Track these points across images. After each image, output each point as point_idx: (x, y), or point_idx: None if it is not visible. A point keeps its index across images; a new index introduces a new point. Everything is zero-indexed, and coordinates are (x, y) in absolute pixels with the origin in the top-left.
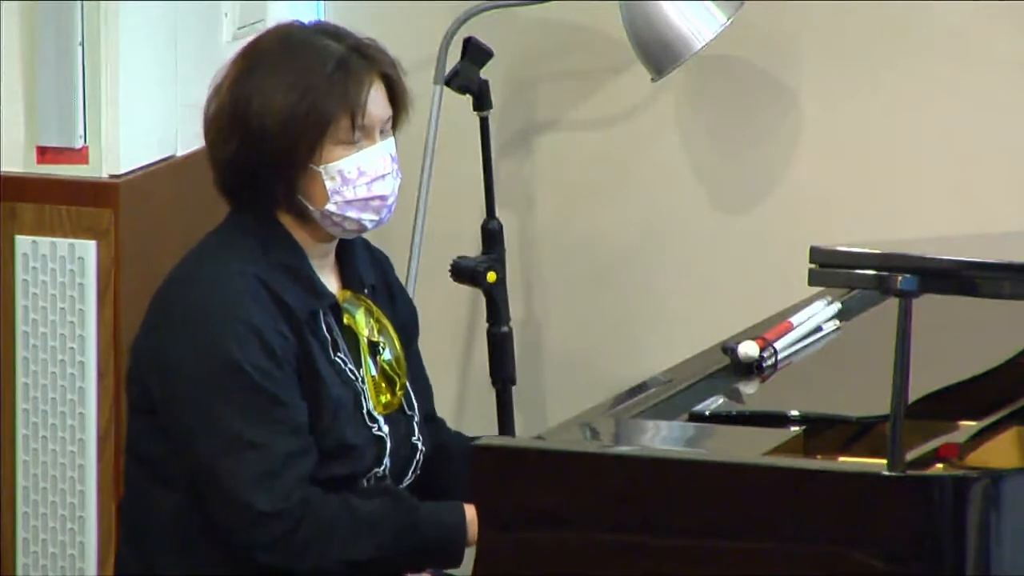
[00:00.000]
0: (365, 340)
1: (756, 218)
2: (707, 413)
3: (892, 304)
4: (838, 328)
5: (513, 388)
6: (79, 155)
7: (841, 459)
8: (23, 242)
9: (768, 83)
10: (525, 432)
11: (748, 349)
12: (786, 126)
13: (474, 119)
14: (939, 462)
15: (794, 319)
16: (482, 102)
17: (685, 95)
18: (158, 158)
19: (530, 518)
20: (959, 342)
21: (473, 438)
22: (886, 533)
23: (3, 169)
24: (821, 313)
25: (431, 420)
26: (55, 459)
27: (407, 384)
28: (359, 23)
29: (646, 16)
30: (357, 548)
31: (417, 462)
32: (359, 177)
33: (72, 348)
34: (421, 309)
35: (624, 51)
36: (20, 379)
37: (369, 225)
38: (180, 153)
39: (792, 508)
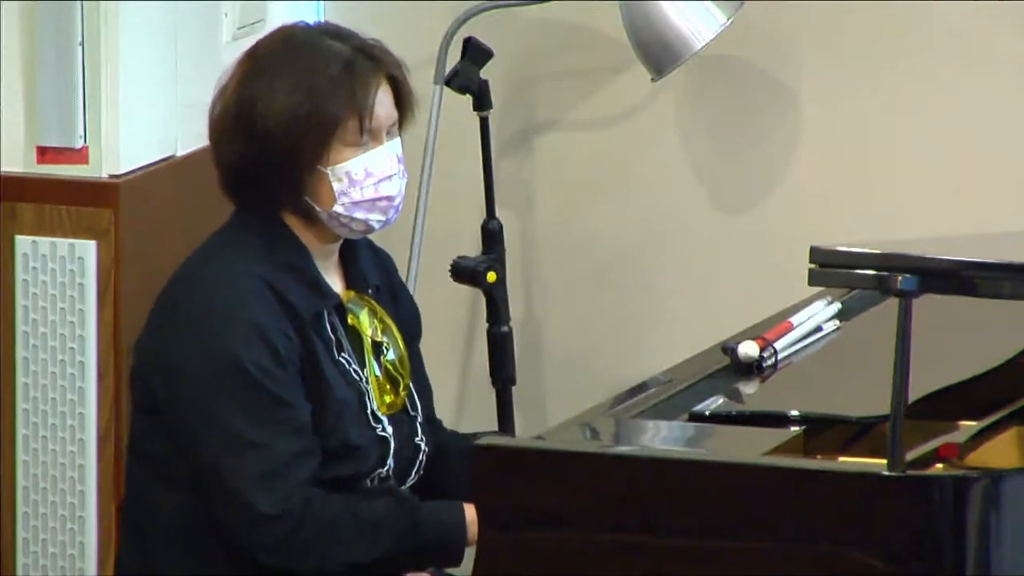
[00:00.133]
0: (369, 340)
1: (756, 218)
2: (707, 413)
3: (892, 304)
4: (838, 328)
5: (513, 388)
6: (79, 155)
7: (841, 459)
8: (23, 242)
9: (768, 83)
10: (525, 432)
11: (748, 349)
12: (786, 126)
13: (474, 119)
14: (939, 462)
15: (794, 319)
16: (482, 102)
17: (685, 95)
18: (158, 158)
19: (530, 518)
20: (959, 342)
21: (470, 435)
22: (886, 533)
23: (3, 169)
24: (821, 313)
25: (430, 422)
26: (55, 459)
27: (410, 384)
28: (359, 23)
29: (646, 16)
30: (359, 549)
31: (420, 462)
32: (366, 178)
33: (72, 348)
34: (421, 309)
35: (624, 51)
36: (20, 379)
37: (376, 226)
38: (180, 153)
39: (792, 508)
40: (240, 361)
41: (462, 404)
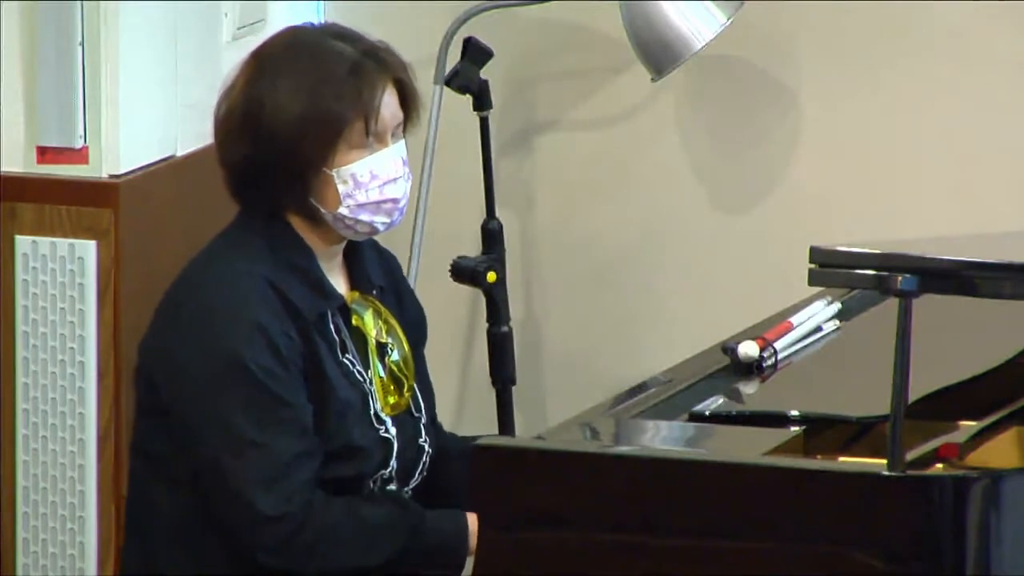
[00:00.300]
0: (373, 341)
1: (756, 218)
2: (707, 413)
3: (892, 304)
4: (838, 328)
5: (513, 388)
6: (79, 155)
7: (841, 459)
8: (23, 242)
9: (768, 83)
10: (525, 432)
11: (748, 349)
12: (786, 126)
13: (474, 119)
14: (939, 462)
15: (794, 319)
16: (482, 102)
17: (685, 95)
18: (158, 158)
19: (530, 518)
20: (959, 342)
21: (470, 438)
22: (886, 533)
23: (3, 169)
24: (821, 313)
25: (432, 423)
26: (55, 459)
27: (415, 386)
28: (359, 23)
29: (646, 16)
30: (360, 554)
31: (424, 464)
32: (371, 180)
33: (72, 348)
34: None
35: (624, 51)
36: (20, 379)
37: (381, 228)
38: (180, 153)
39: (792, 508)
40: (242, 361)
41: (462, 404)
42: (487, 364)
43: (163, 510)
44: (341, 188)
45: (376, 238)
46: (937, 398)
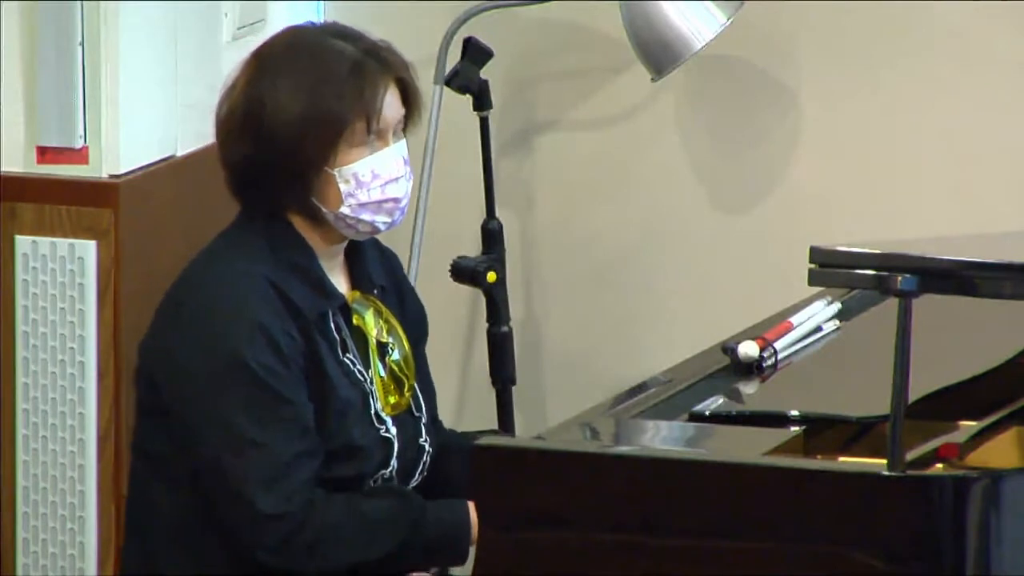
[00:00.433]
0: (374, 341)
1: (756, 218)
2: (707, 413)
3: (892, 304)
4: (838, 328)
5: (513, 388)
6: (79, 155)
7: (841, 459)
8: (23, 242)
9: (768, 83)
10: (525, 432)
11: (748, 349)
12: (786, 126)
13: (474, 119)
14: (939, 462)
15: (794, 319)
16: (482, 102)
17: (685, 95)
18: (158, 158)
19: (530, 518)
20: (959, 342)
21: (470, 433)
22: (886, 533)
23: (3, 169)
24: (821, 313)
25: (433, 422)
26: (55, 459)
27: (415, 385)
28: (359, 23)
29: (646, 16)
30: (363, 550)
31: (424, 463)
32: (373, 180)
33: (72, 348)
34: None
35: (624, 51)
36: (20, 379)
37: (382, 227)
38: (180, 153)
39: (792, 508)
40: (244, 360)
41: (462, 404)
42: (487, 364)
43: (163, 510)
44: (343, 187)
45: (376, 237)
46: (937, 398)
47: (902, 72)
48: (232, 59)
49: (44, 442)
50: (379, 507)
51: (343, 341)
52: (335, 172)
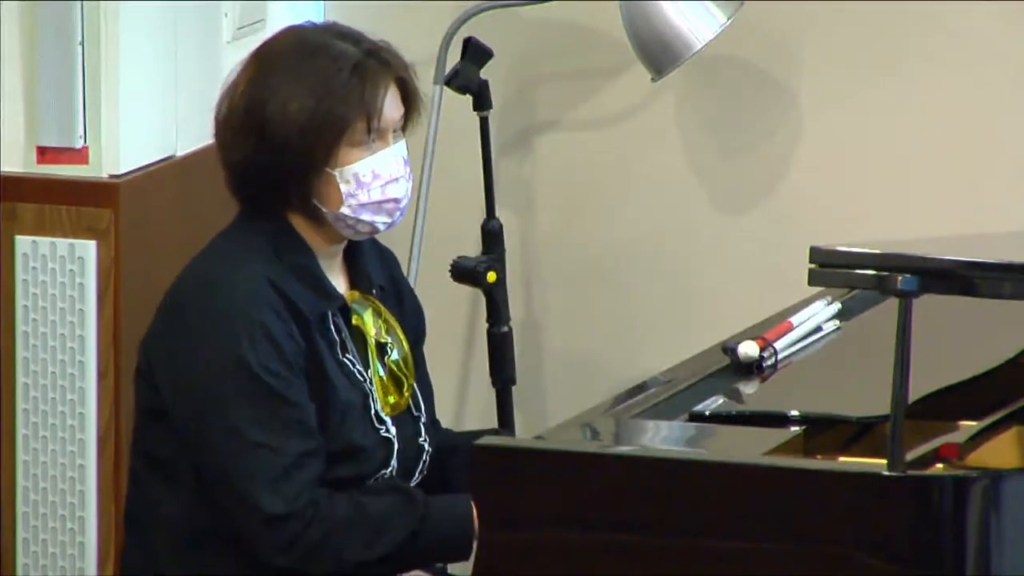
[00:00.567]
0: (373, 341)
1: (756, 218)
2: (707, 413)
3: (892, 304)
4: (838, 328)
5: (513, 388)
6: (79, 155)
7: (841, 459)
8: (23, 242)
9: (768, 83)
10: (525, 432)
11: (748, 349)
12: (786, 126)
13: (474, 119)
14: (939, 462)
15: (794, 319)
16: (482, 102)
17: (685, 95)
18: (158, 158)
19: (530, 518)
20: (959, 342)
21: (468, 432)
22: (886, 533)
23: (3, 169)
24: (821, 313)
25: (432, 423)
26: (55, 459)
27: (414, 385)
28: (359, 23)
29: (646, 16)
30: (370, 546)
31: (424, 463)
32: (373, 180)
33: (72, 348)
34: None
35: (624, 51)
36: (20, 379)
37: (381, 228)
38: (180, 153)
39: (792, 508)
40: (246, 362)
41: (462, 404)
42: (487, 364)
43: (164, 510)
44: (343, 188)
45: (375, 236)
46: (937, 398)
47: (902, 72)
48: (232, 59)
49: (44, 442)
50: (383, 503)
51: (342, 341)
52: (336, 172)
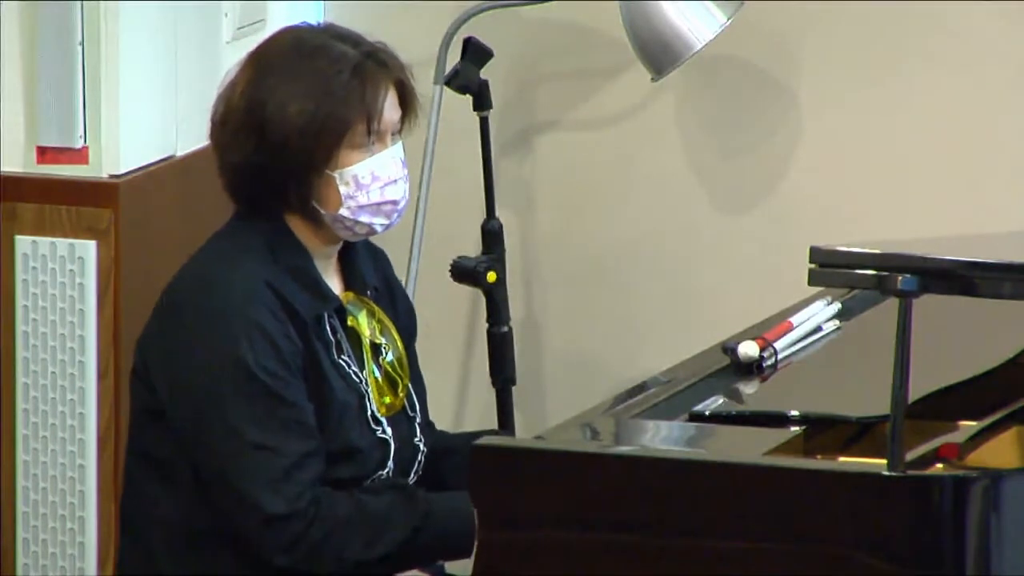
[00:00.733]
0: (368, 342)
1: (756, 218)
2: (707, 413)
3: (892, 304)
4: (838, 328)
5: (513, 388)
6: (79, 155)
7: (841, 459)
8: (23, 242)
9: (768, 83)
10: (525, 432)
11: (748, 349)
12: (786, 126)
13: (474, 119)
14: (939, 462)
15: (794, 319)
16: (482, 102)
17: (685, 95)
18: (158, 158)
19: (529, 518)
20: (959, 342)
21: (465, 434)
22: (886, 533)
23: (3, 169)
24: (821, 313)
25: (426, 423)
26: (55, 459)
27: (409, 385)
28: (359, 23)
29: (646, 16)
30: (371, 545)
31: (419, 463)
32: (373, 182)
33: (72, 348)
34: (421, 309)
35: (624, 51)
36: (20, 379)
37: (379, 229)
38: (180, 153)
39: (792, 508)
40: (244, 363)
41: (462, 404)
42: (487, 364)
43: (160, 510)
44: (343, 189)
45: (376, 238)
46: (937, 398)
47: (902, 72)
48: (232, 59)
49: (44, 442)
50: (384, 502)
51: (338, 343)
52: (335, 174)
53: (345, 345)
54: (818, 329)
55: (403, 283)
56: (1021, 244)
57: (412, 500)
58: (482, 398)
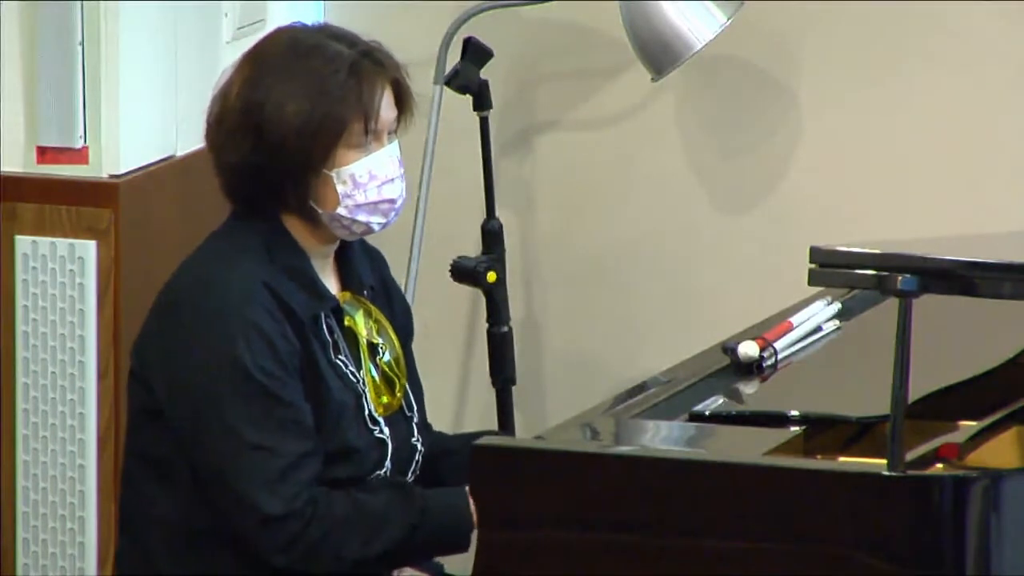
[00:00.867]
0: (365, 342)
1: (756, 218)
2: (707, 413)
3: (892, 304)
4: (838, 328)
5: (513, 388)
6: (79, 155)
7: (841, 459)
8: (23, 242)
9: (768, 83)
10: (525, 432)
11: (748, 349)
12: (786, 126)
13: (474, 119)
14: (939, 462)
15: (794, 319)
16: (482, 102)
17: (685, 95)
18: (158, 158)
19: (530, 518)
20: (959, 342)
21: (463, 435)
22: (886, 533)
23: (3, 169)
24: (821, 313)
25: (424, 423)
26: (55, 459)
27: (406, 385)
28: (359, 23)
29: (646, 16)
30: (368, 544)
31: (416, 463)
32: (370, 181)
33: (72, 348)
34: (421, 309)
35: (624, 51)
36: (20, 379)
37: (376, 228)
38: (180, 153)
39: (792, 508)
40: (242, 363)
41: (462, 404)
42: (487, 364)
43: (159, 510)
44: (340, 189)
45: (376, 238)
46: (937, 398)
47: (902, 72)
48: (232, 59)
49: (44, 442)
50: (380, 500)
51: (335, 343)
52: (333, 174)
53: (342, 345)
54: (818, 329)
55: (403, 283)
56: (1021, 244)
57: (409, 497)
58: (482, 398)
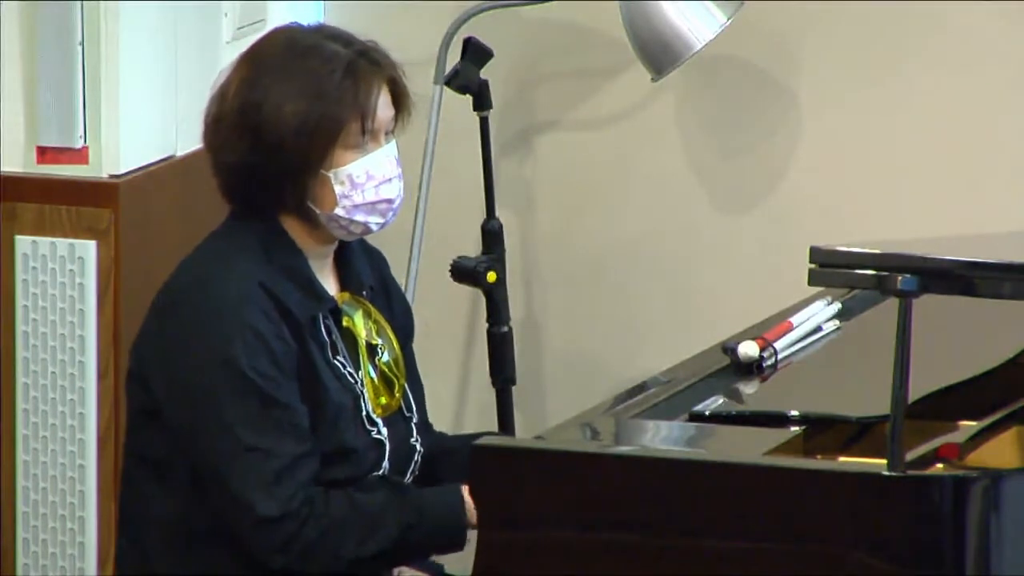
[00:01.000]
0: (364, 342)
1: (756, 218)
2: (707, 413)
3: (892, 304)
4: (838, 328)
5: (513, 388)
6: (79, 155)
7: (841, 459)
8: (23, 242)
9: (768, 83)
10: (525, 432)
11: (748, 349)
12: (786, 126)
13: (474, 119)
14: (939, 462)
15: (794, 319)
16: (482, 102)
17: (685, 95)
18: (158, 158)
19: (530, 518)
20: (959, 342)
21: (464, 436)
22: (886, 533)
23: (3, 169)
24: (821, 313)
25: (424, 423)
26: (55, 459)
27: (405, 386)
28: (359, 23)
29: (646, 16)
30: (366, 541)
31: (415, 463)
32: (368, 181)
33: (72, 348)
34: (421, 309)
35: (624, 51)
36: (20, 379)
37: (374, 228)
38: (180, 153)
39: (792, 508)
40: (238, 365)
41: (462, 404)
42: (487, 364)
43: (157, 510)
44: (338, 189)
45: (376, 238)
46: (937, 398)
47: (902, 72)
48: (232, 59)
49: (44, 442)
50: (376, 499)
51: (333, 343)
52: (330, 174)
53: (340, 346)
54: (818, 329)
55: (403, 283)
56: (1021, 244)
57: (404, 496)
58: (482, 398)
